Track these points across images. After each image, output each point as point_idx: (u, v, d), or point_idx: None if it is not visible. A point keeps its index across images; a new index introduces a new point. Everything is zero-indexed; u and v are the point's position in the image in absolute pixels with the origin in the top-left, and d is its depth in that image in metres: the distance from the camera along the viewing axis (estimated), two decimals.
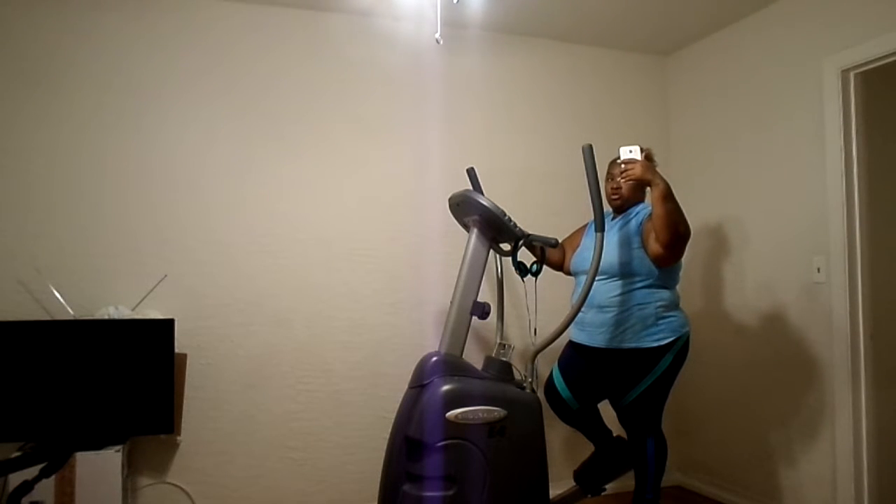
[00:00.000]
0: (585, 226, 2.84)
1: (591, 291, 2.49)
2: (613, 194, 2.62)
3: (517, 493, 2.31)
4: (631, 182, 2.52)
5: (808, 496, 2.87)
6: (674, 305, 2.54)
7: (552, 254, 2.77)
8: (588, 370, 2.62)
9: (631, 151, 2.39)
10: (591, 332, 2.57)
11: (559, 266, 2.83)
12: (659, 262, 2.46)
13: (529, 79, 3.49)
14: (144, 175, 2.85)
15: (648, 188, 2.44)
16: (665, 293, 2.51)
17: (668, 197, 2.33)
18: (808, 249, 2.87)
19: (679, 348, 2.50)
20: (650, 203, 2.48)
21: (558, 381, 2.66)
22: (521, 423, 2.32)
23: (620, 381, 2.55)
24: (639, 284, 2.49)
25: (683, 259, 2.61)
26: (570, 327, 2.65)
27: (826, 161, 2.79)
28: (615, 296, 2.50)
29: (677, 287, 2.60)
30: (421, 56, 3.26)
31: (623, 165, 2.41)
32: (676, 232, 2.35)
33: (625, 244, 2.52)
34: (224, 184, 2.96)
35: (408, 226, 3.22)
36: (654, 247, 2.43)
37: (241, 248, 2.97)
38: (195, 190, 2.92)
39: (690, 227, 2.43)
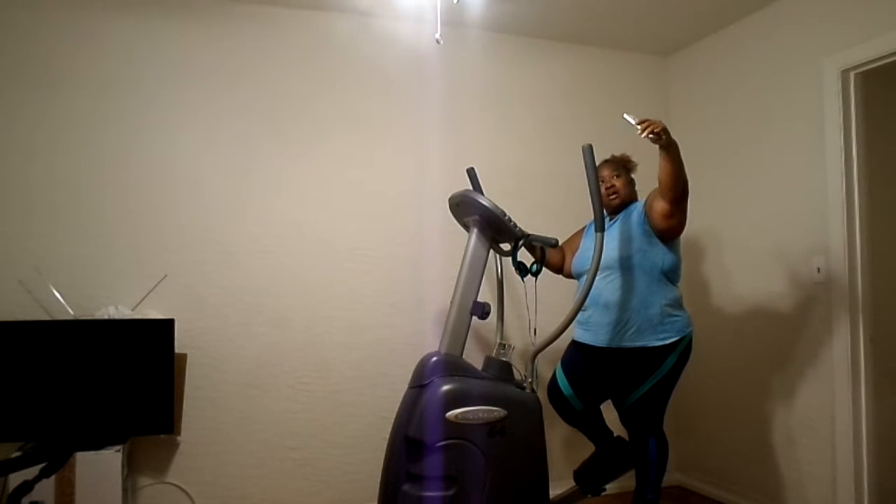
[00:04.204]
0: (583, 228, 2.83)
1: (595, 290, 2.50)
2: (611, 194, 2.62)
3: (517, 493, 2.31)
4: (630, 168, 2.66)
5: (808, 496, 2.87)
6: (678, 304, 2.54)
7: (552, 256, 2.77)
8: (592, 370, 2.62)
9: (635, 117, 2.32)
10: (595, 331, 2.56)
11: (559, 269, 2.83)
12: (667, 219, 2.44)
13: (529, 79, 3.49)
14: (144, 175, 2.85)
15: (661, 147, 2.33)
16: (670, 292, 2.51)
17: (678, 153, 2.34)
18: (808, 249, 2.87)
19: (683, 348, 2.50)
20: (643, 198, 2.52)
21: (562, 381, 2.66)
22: (521, 423, 2.32)
23: (625, 380, 2.54)
24: (642, 281, 2.48)
25: (683, 258, 2.62)
26: (574, 327, 2.66)
27: (826, 161, 2.79)
28: (619, 294, 2.50)
29: (678, 284, 2.60)
30: (421, 56, 3.26)
31: (643, 124, 2.25)
32: (683, 187, 2.38)
33: (626, 239, 2.52)
34: (224, 184, 2.96)
35: (408, 226, 3.22)
36: (662, 206, 2.42)
37: (241, 248, 2.97)
38: (195, 190, 2.92)
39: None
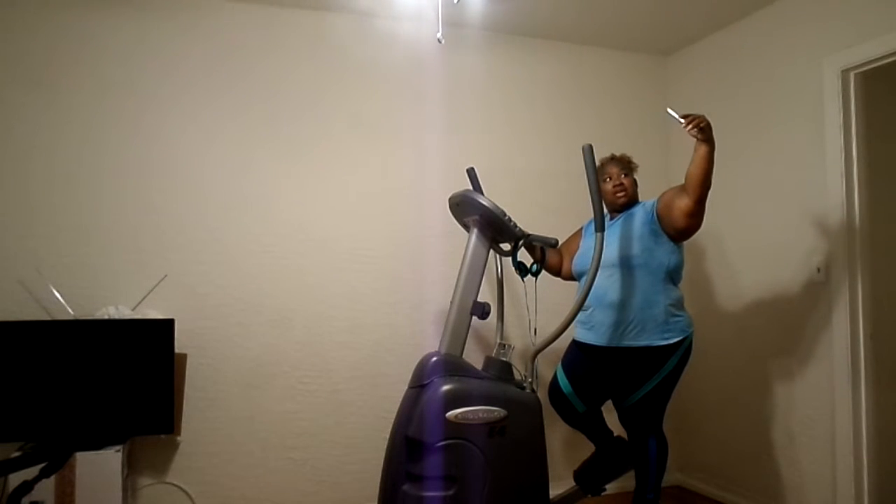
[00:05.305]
0: (581, 230, 2.83)
1: (600, 289, 2.50)
2: (619, 192, 2.61)
3: (517, 493, 2.31)
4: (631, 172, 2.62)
5: (808, 496, 2.87)
6: (680, 305, 2.53)
7: (550, 257, 2.77)
8: (593, 370, 2.61)
9: (677, 111, 2.32)
10: (597, 330, 2.56)
11: (557, 271, 2.82)
12: (689, 217, 2.41)
13: (529, 79, 3.49)
14: (144, 175, 2.85)
15: (699, 142, 2.31)
16: (672, 292, 2.51)
17: (714, 151, 2.31)
18: (808, 249, 2.87)
19: (685, 348, 2.50)
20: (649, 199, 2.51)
21: (563, 381, 2.65)
22: (521, 423, 2.32)
23: (626, 380, 2.54)
24: (646, 281, 2.48)
25: (684, 257, 2.62)
26: (575, 328, 2.66)
27: (826, 161, 2.79)
28: (623, 292, 2.49)
29: (679, 285, 2.59)
30: (421, 56, 3.26)
31: (688, 118, 2.26)
32: (708, 187, 2.36)
33: (630, 238, 2.51)
34: (224, 184, 2.96)
35: (408, 226, 3.22)
36: (686, 204, 2.38)
37: (241, 248, 2.97)
38: (195, 190, 2.92)
39: None
